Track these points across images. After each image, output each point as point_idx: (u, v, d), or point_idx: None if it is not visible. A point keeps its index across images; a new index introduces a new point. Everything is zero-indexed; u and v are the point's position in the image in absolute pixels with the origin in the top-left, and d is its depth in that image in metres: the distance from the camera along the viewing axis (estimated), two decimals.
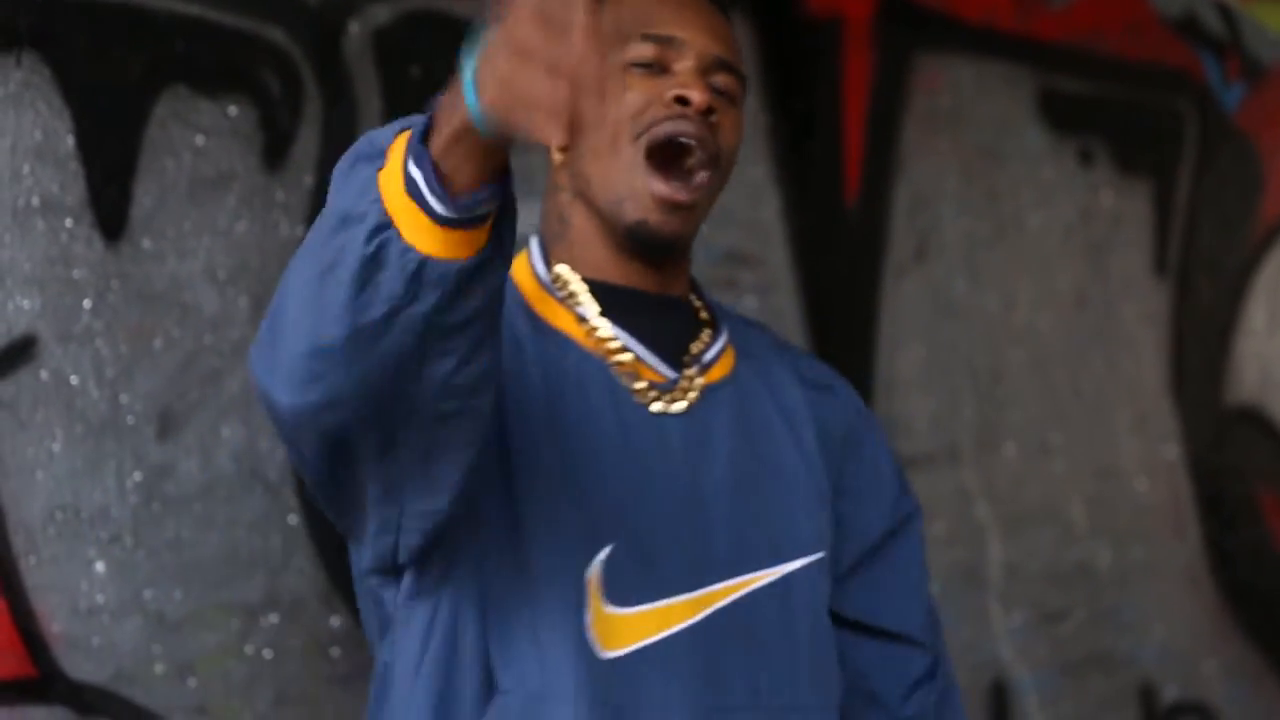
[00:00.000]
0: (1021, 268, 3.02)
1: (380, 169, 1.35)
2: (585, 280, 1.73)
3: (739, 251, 2.64)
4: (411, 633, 1.63)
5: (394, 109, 2.26)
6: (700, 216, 1.73)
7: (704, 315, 1.82)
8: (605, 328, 1.72)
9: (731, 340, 1.82)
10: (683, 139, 1.66)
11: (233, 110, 2.15)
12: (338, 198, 1.40)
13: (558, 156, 1.72)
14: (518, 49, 1.26)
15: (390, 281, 1.34)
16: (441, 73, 2.35)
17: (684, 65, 1.69)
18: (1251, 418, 3.38)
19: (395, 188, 1.33)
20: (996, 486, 2.96)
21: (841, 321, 2.78)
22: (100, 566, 2.02)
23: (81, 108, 2.03)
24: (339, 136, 2.21)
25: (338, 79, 2.23)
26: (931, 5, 2.90)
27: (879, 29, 2.82)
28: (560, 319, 1.72)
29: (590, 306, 1.73)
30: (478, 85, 1.30)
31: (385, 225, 1.33)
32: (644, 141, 1.67)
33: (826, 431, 1.86)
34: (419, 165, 1.33)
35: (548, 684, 1.64)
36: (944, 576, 2.87)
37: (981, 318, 2.96)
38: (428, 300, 1.36)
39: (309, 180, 2.20)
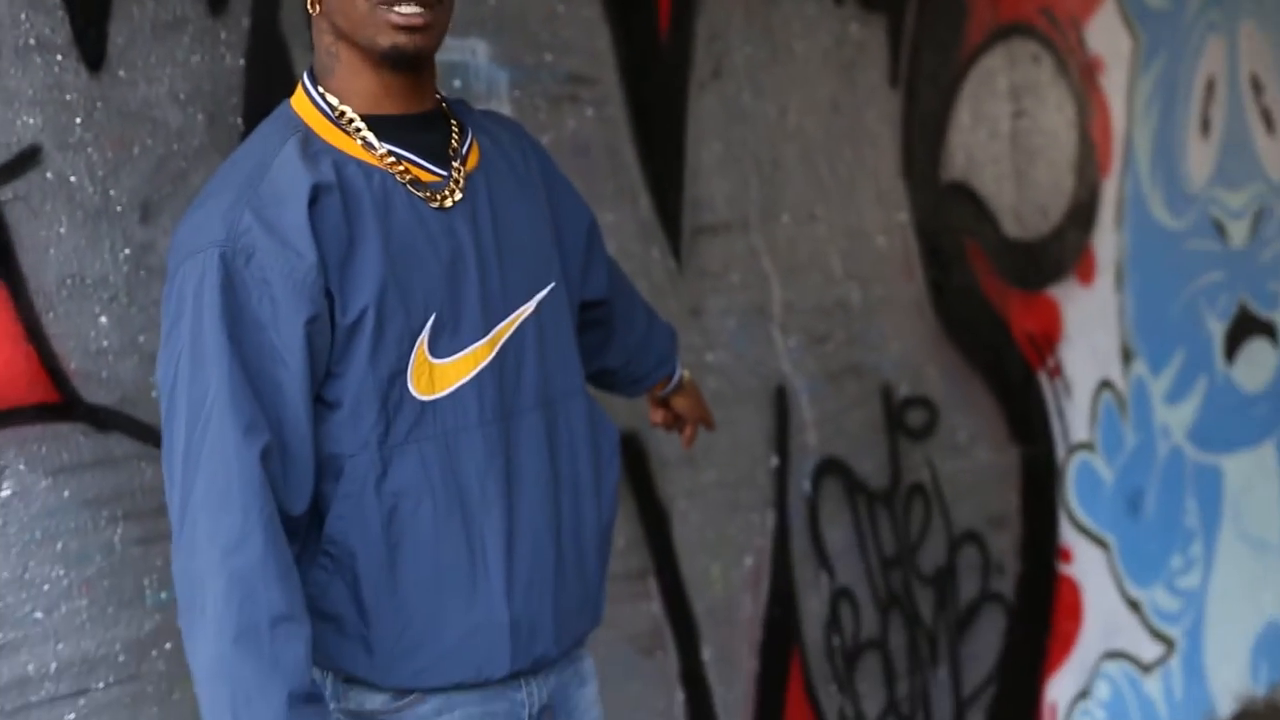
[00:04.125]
0: (792, 83, 3.02)
1: None
2: (360, 114, 1.64)
3: (579, 74, 2.62)
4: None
5: None
6: (437, 37, 1.64)
7: (453, 121, 1.74)
8: (383, 147, 1.64)
9: (475, 134, 1.76)
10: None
11: None
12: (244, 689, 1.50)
13: (314, 10, 1.64)
14: None
15: None
16: None
17: None
18: (961, 190, 3.42)
19: None
20: (776, 246, 3.00)
21: (659, 126, 2.78)
22: (104, 319, 2.01)
23: None
24: None
25: None
26: None
27: None
28: (349, 146, 1.64)
29: (369, 134, 1.64)
30: None
31: None
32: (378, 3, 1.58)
33: (527, 164, 1.84)
34: None
35: (393, 432, 1.63)
36: (739, 312, 2.92)
37: (763, 121, 2.97)
38: None
39: (246, 22, 2.14)
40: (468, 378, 1.66)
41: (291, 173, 1.58)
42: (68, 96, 1.97)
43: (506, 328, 1.71)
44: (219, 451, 1.52)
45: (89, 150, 1.99)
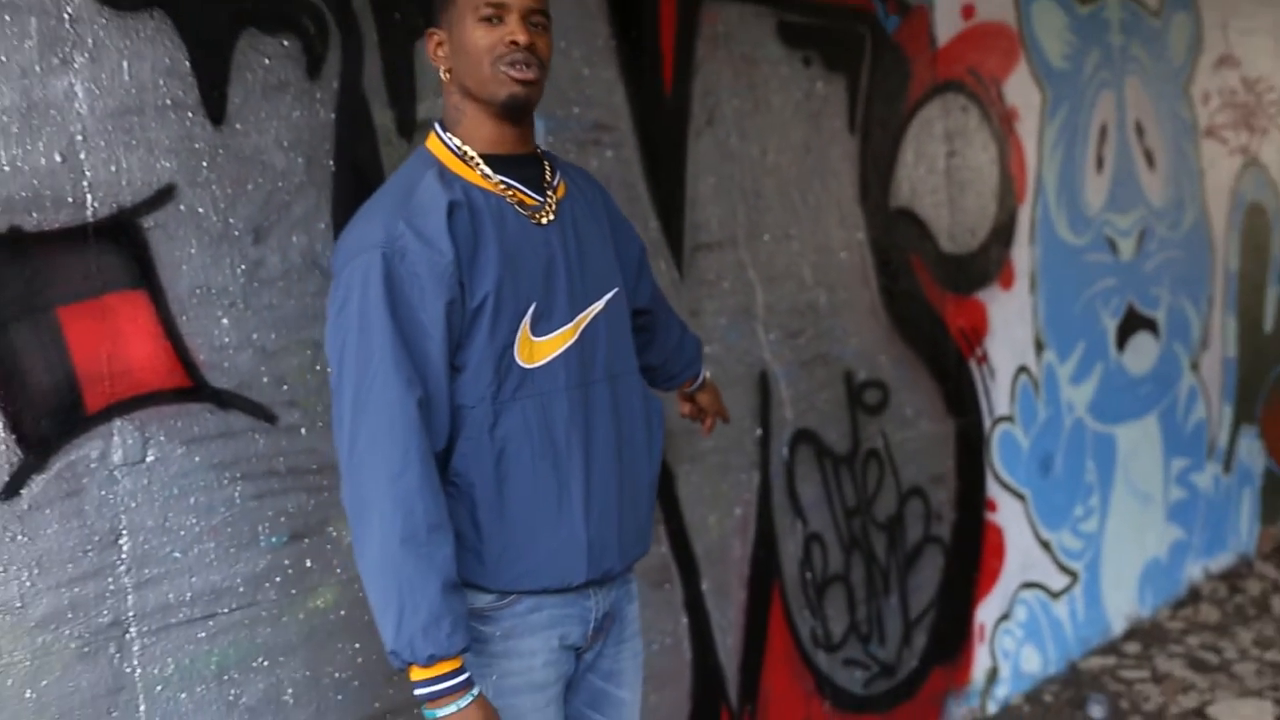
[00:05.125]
0: (770, 129, 3.01)
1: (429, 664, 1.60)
2: (480, 153, 1.73)
3: (601, 123, 2.63)
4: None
5: (384, 39, 2.21)
6: (539, 91, 1.73)
7: (546, 163, 1.82)
8: (497, 177, 1.72)
9: (562, 174, 1.83)
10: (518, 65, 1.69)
11: (286, 42, 2.09)
12: (405, 604, 1.59)
13: (446, 76, 1.73)
14: None
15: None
16: (413, 16, 2.29)
17: (513, 17, 1.68)
18: (906, 214, 3.41)
19: (415, 676, 1.62)
20: (759, 260, 2.99)
21: (665, 164, 2.79)
22: (225, 321, 2.03)
23: (193, 44, 1.98)
24: (352, 57, 2.17)
25: (350, 22, 2.17)
26: None
27: None
28: (472, 176, 1.71)
29: (485, 167, 1.72)
30: None
31: (399, 665, 1.63)
32: (499, 65, 1.67)
33: (599, 202, 1.91)
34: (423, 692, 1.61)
35: (503, 391, 1.69)
36: (730, 312, 2.92)
37: (747, 160, 2.96)
38: None
39: (336, 84, 2.15)
40: (557, 353, 1.73)
41: (433, 193, 1.66)
42: (196, 145, 1.98)
43: (585, 317, 1.77)
44: (384, 401, 1.59)
45: (213, 187, 2.00)
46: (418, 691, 1.61)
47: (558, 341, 1.73)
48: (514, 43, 1.66)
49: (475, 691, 1.62)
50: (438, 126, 1.76)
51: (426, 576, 1.58)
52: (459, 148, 1.72)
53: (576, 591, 1.77)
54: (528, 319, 1.70)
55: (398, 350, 1.60)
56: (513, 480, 1.69)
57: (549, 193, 1.77)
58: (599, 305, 1.79)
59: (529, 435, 1.70)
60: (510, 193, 1.72)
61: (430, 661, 1.58)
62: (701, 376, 2.26)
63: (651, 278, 2.07)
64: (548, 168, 1.80)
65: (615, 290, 1.83)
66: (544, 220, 1.74)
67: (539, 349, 1.71)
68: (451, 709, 1.60)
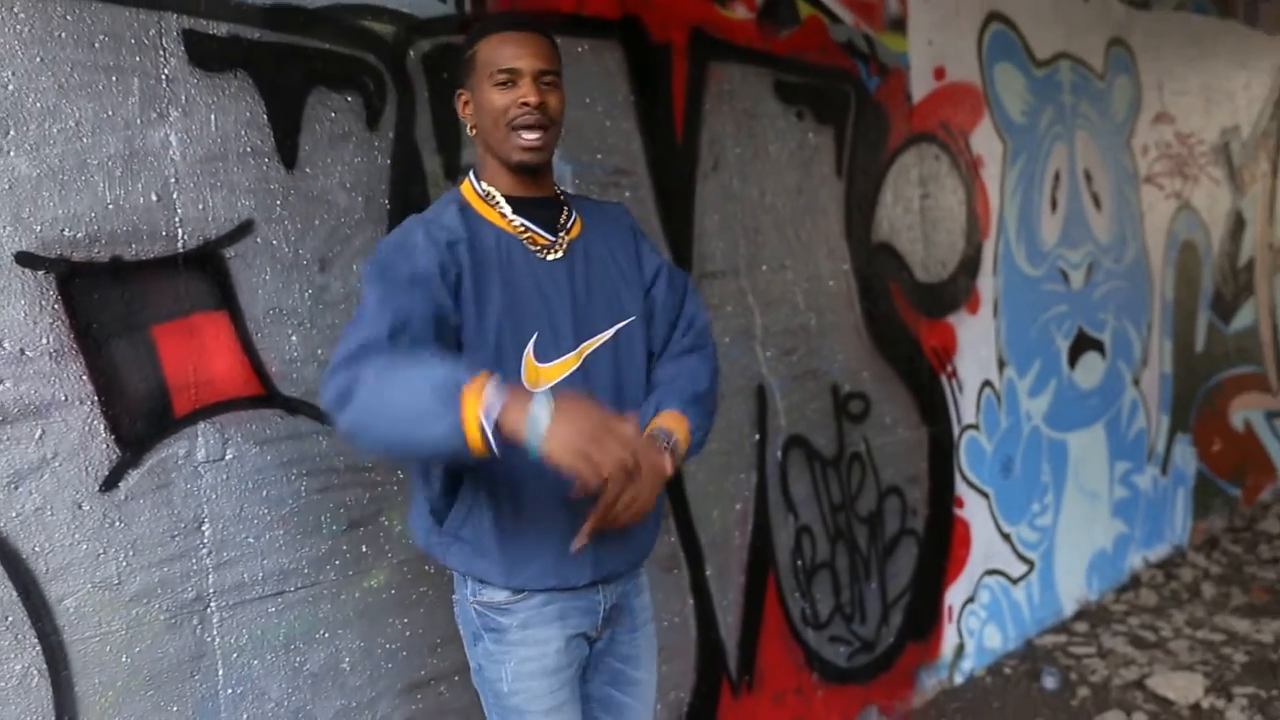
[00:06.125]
0: (768, 173, 3.01)
1: (461, 404, 1.40)
2: (503, 195, 1.71)
3: (620, 168, 2.62)
4: None
5: (434, 95, 2.21)
6: (549, 151, 1.70)
7: (563, 203, 1.78)
8: (516, 219, 1.70)
9: (579, 214, 1.78)
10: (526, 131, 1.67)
11: (349, 98, 2.10)
12: (420, 387, 1.41)
13: (472, 132, 1.72)
14: (590, 443, 1.36)
15: (445, 454, 1.44)
16: (459, 76, 2.30)
17: (525, 80, 1.65)
18: (886, 248, 3.40)
19: (474, 430, 1.40)
20: (758, 287, 2.98)
21: (676, 203, 2.78)
22: (294, 338, 2.02)
23: (270, 99, 1.99)
24: (406, 111, 2.18)
25: (404, 81, 2.18)
26: (717, 35, 2.85)
27: (691, 48, 2.77)
28: (492, 216, 1.70)
29: (506, 207, 1.70)
30: (545, 438, 1.37)
31: (463, 443, 1.41)
32: (513, 126, 1.66)
33: (627, 242, 1.83)
34: (491, 433, 1.39)
35: None
36: (732, 333, 2.91)
37: (748, 200, 2.96)
38: (456, 461, 1.52)
39: (391, 134, 2.16)
40: (561, 378, 1.69)
41: (450, 219, 1.67)
42: (271, 186, 1.99)
43: (590, 345, 1.72)
44: (365, 327, 1.56)
45: (285, 223, 2.01)
46: (493, 444, 1.40)
47: (562, 368, 1.68)
48: (525, 103, 1.64)
49: (546, 395, 1.43)
50: (471, 173, 1.75)
51: (404, 365, 1.46)
52: (485, 191, 1.71)
53: (585, 588, 1.73)
54: (530, 347, 1.66)
55: (382, 303, 1.56)
56: (526, 491, 1.65)
57: (561, 233, 1.72)
58: (606, 335, 1.73)
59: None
60: (526, 233, 1.69)
61: (460, 390, 1.41)
62: (666, 434, 1.70)
63: (690, 296, 1.91)
64: (566, 210, 1.77)
65: (629, 320, 1.76)
66: (550, 256, 1.70)
67: (544, 374, 1.66)
68: (539, 415, 1.39)
